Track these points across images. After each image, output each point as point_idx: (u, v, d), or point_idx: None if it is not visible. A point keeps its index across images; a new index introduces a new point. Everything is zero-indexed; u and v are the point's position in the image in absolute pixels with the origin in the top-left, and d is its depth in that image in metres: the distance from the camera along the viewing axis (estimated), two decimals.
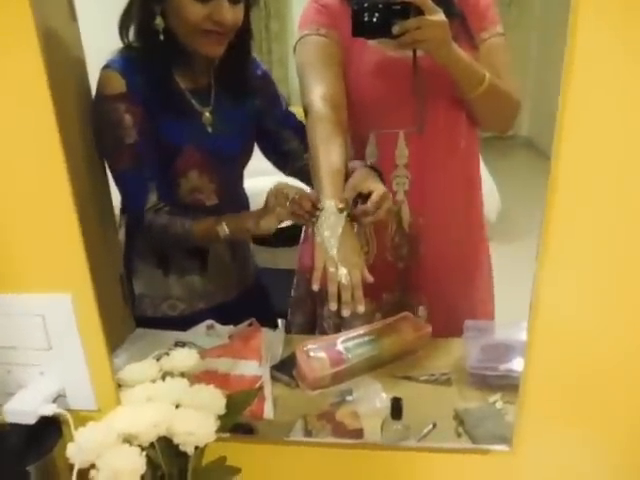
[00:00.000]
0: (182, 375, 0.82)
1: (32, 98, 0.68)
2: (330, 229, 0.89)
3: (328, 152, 0.96)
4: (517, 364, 0.93)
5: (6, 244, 0.74)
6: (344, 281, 0.85)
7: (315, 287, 0.87)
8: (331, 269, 0.86)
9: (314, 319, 1.25)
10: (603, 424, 0.77)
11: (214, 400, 0.76)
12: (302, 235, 1.29)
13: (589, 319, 0.72)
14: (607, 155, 0.64)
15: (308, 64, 1.06)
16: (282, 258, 1.83)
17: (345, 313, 0.85)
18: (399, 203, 1.12)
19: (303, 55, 1.07)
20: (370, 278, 0.88)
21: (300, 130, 1.11)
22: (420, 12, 0.89)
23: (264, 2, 3.49)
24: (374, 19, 0.92)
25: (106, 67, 1.00)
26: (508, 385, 0.91)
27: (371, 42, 1.04)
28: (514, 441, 0.78)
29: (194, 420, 0.71)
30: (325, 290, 1.20)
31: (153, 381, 0.79)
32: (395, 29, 0.90)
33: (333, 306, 0.85)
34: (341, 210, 0.89)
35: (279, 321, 1.35)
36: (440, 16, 0.91)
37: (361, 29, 0.94)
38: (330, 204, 0.90)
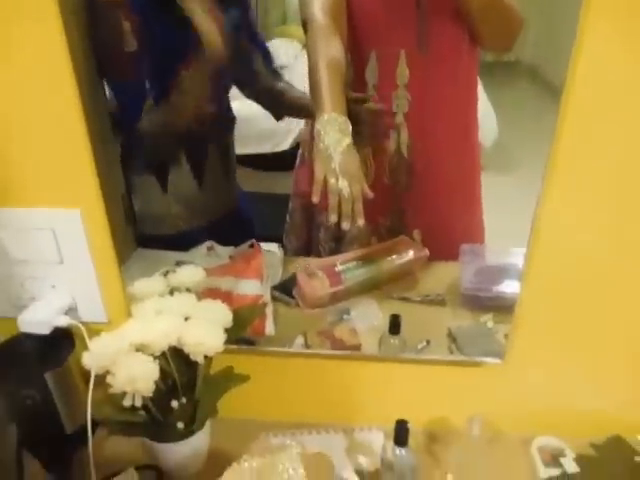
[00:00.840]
0: (188, 290, 0.85)
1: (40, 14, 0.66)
2: (333, 141, 0.89)
3: (330, 65, 0.96)
4: (509, 286, 0.96)
5: (17, 160, 0.74)
6: (345, 193, 0.86)
7: (315, 199, 0.87)
8: (332, 180, 0.87)
9: (310, 244, 1.27)
10: (591, 340, 0.82)
11: (221, 314, 0.79)
12: (297, 159, 1.29)
13: (586, 243, 0.75)
14: (619, 91, 0.64)
15: None
16: (276, 183, 1.83)
17: (345, 226, 0.86)
18: (398, 125, 1.12)
19: None
20: (370, 194, 0.89)
21: (267, 52, 1.13)
22: None
23: None
24: None
25: None
26: (499, 306, 0.95)
27: None
28: (506, 354, 0.83)
29: (203, 331, 0.74)
30: (321, 214, 1.22)
31: (161, 295, 0.82)
32: None
33: (333, 218, 0.86)
34: (344, 122, 0.89)
35: (276, 245, 1.37)
36: None
37: None
38: (333, 116, 0.90)
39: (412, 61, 1.06)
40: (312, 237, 1.26)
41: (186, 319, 0.77)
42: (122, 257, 1.08)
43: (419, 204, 1.18)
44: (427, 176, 1.16)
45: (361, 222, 0.87)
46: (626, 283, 0.77)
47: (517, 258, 0.85)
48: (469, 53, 1.10)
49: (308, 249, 1.27)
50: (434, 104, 1.11)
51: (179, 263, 1.15)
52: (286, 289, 1.08)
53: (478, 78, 1.24)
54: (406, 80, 1.08)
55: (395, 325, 0.86)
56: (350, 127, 0.90)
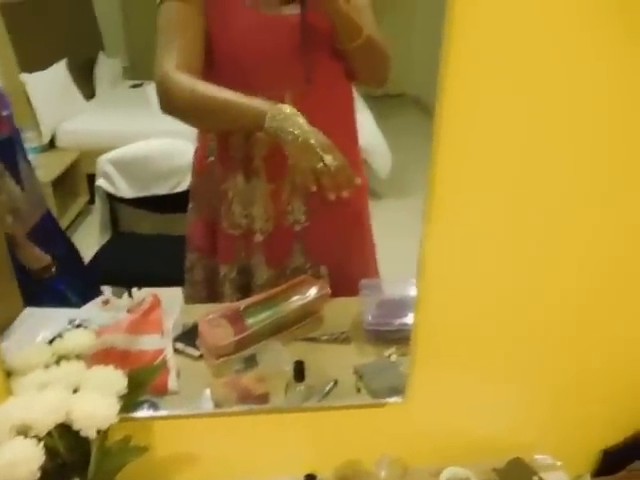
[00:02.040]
0: (78, 357, 0.80)
1: None
2: (297, 127, 0.93)
3: (218, 90, 0.98)
4: (410, 318, 0.99)
5: None
6: (332, 164, 0.90)
7: (314, 189, 0.95)
8: (319, 165, 0.91)
9: (213, 297, 1.25)
10: (489, 373, 0.85)
11: (114, 380, 0.74)
12: (189, 214, 1.27)
13: (473, 274, 0.78)
14: (489, 112, 0.69)
15: (164, 33, 1.02)
16: (175, 224, 1.79)
17: (345, 195, 0.92)
18: (292, 166, 1.13)
19: (160, 23, 1.02)
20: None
21: None
22: None
23: None
24: None
25: None
26: (402, 338, 0.97)
27: (245, 1, 1.02)
28: (406, 393, 0.84)
29: (93, 403, 0.70)
30: (224, 267, 1.20)
31: (47, 366, 0.76)
32: None
33: (332, 196, 0.93)
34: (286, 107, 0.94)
35: (178, 291, 1.34)
36: None
37: None
38: (276, 107, 0.94)
39: (298, 102, 1.08)
40: (216, 290, 1.23)
41: (75, 391, 0.72)
42: (9, 318, 1.01)
43: (318, 241, 1.20)
44: (322, 213, 1.17)
45: (358, 181, 0.94)
46: (514, 308, 0.81)
47: (414, 289, 0.87)
48: (347, 89, 1.15)
49: (213, 301, 1.24)
50: None
51: (72, 321, 1.09)
52: (189, 340, 1.05)
53: (365, 112, 1.28)
54: None
55: (299, 372, 0.86)
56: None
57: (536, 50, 0.65)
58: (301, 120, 0.94)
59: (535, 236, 0.77)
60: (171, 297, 1.27)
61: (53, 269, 1.17)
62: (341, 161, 0.91)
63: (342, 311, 1.13)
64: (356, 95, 1.23)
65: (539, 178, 0.73)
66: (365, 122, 2.17)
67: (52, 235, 1.46)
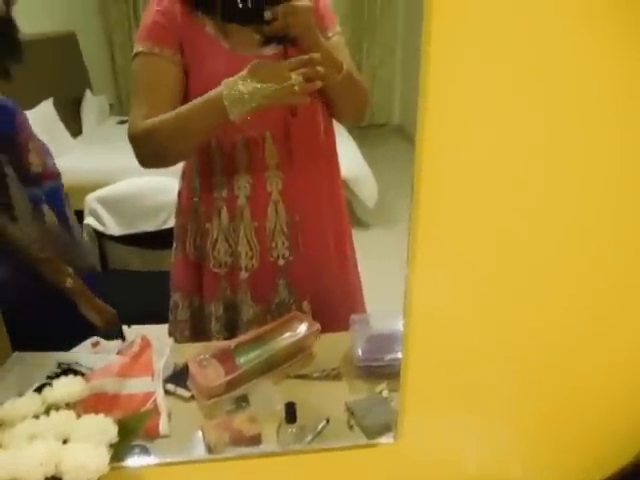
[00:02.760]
0: (68, 405, 0.80)
1: None
2: (247, 84, 0.93)
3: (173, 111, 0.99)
4: (399, 353, 0.99)
5: None
6: (299, 82, 0.92)
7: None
8: (286, 92, 0.92)
9: (200, 336, 1.25)
10: (479, 410, 0.86)
11: (105, 429, 0.74)
12: (173, 255, 1.27)
13: (460, 308, 0.79)
14: (470, 143, 0.70)
15: (137, 90, 1.06)
16: (164, 260, 1.79)
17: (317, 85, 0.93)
18: (275, 203, 1.15)
19: (135, 77, 1.07)
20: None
21: None
22: None
23: None
24: (248, 4, 0.94)
25: None
26: (392, 373, 0.97)
27: (222, 44, 1.05)
28: (397, 431, 0.84)
29: (84, 454, 0.69)
30: (209, 305, 1.20)
31: (36, 417, 0.76)
32: (267, 14, 0.93)
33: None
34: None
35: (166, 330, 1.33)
36: (305, 2, 0.96)
37: (234, 15, 0.96)
38: (230, 80, 0.94)
39: (278, 140, 1.11)
40: (202, 328, 1.23)
41: (65, 441, 0.72)
42: None
43: (302, 275, 1.21)
44: (306, 247, 1.19)
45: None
46: (502, 343, 0.82)
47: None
48: (327, 124, 1.17)
49: (200, 339, 1.24)
50: (304, 177, 1.16)
51: (61, 365, 1.08)
52: (180, 381, 1.05)
53: (349, 142, 1.30)
54: (276, 160, 1.12)
55: (291, 414, 0.86)
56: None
57: (517, 77, 0.66)
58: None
59: (522, 268, 0.78)
60: (162, 335, 1.27)
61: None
62: (297, 61, 0.93)
63: (332, 347, 1.13)
64: (340, 126, 1.25)
65: (525, 206, 0.74)
66: (350, 152, 2.20)
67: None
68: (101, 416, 0.76)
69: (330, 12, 1.12)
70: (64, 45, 2.95)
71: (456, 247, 0.75)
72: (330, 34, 1.10)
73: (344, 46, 1.12)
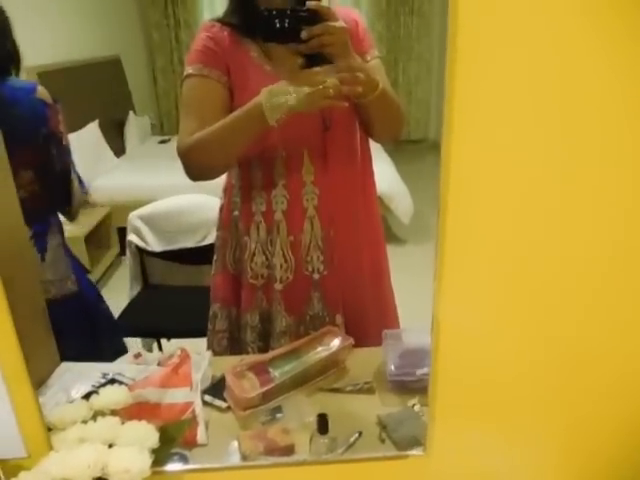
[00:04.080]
0: (113, 412, 0.84)
1: None
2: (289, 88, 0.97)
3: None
4: None
5: None
6: (332, 89, 0.96)
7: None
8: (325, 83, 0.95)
9: (235, 346, 1.29)
10: (508, 423, 0.86)
11: (147, 435, 0.78)
12: (213, 267, 1.32)
13: (488, 323, 0.80)
14: (498, 158, 0.71)
15: (187, 110, 1.12)
16: (204, 276, 1.84)
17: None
18: (311, 219, 1.18)
19: (184, 98, 1.13)
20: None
21: None
22: (324, 19, 0.98)
23: (172, 11, 3.47)
24: (285, 24, 0.98)
25: None
26: (424, 388, 0.98)
27: (266, 67, 1.11)
28: (427, 444, 0.86)
29: (128, 457, 0.73)
30: (245, 315, 1.25)
31: (84, 422, 0.80)
32: (304, 34, 0.97)
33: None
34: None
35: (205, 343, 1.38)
36: (341, 23, 0.99)
37: (272, 34, 1.00)
38: (267, 88, 0.99)
39: (315, 158, 1.15)
40: (238, 339, 1.27)
41: (110, 445, 0.76)
42: (45, 373, 1.06)
43: (336, 289, 1.24)
44: (340, 262, 1.22)
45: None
46: (533, 357, 0.83)
47: None
48: (362, 142, 1.20)
49: (236, 350, 1.28)
50: (339, 193, 1.19)
51: (105, 375, 1.13)
52: (217, 392, 1.08)
53: (385, 159, 1.33)
54: (312, 177, 1.16)
55: (323, 425, 0.88)
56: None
57: (546, 94, 0.68)
58: (292, 90, 0.97)
59: (550, 283, 0.78)
60: (200, 348, 1.31)
61: None
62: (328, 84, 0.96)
63: (365, 361, 1.15)
64: (376, 143, 1.28)
65: (554, 224, 0.75)
66: (386, 169, 2.23)
67: None
68: (144, 423, 0.80)
69: (369, 37, 1.17)
70: (109, 69, 3.09)
71: (484, 262, 0.77)
72: (369, 57, 1.14)
73: (382, 69, 1.17)
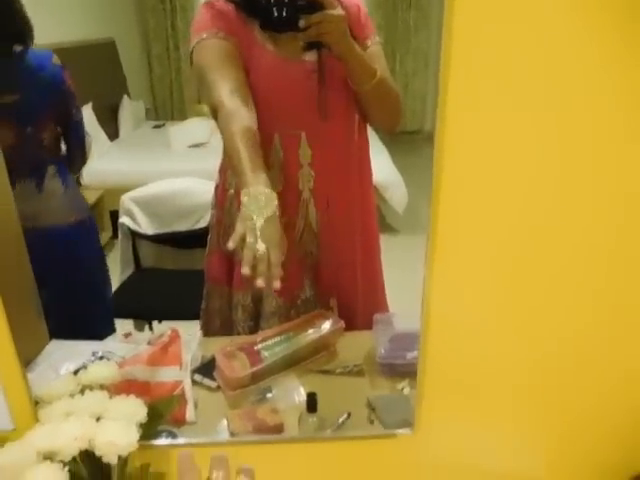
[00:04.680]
0: (101, 387, 0.84)
1: None
2: (257, 213, 0.91)
3: (248, 142, 1.00)
4: None
5: None
6: (260, 253, 0.87)
7: (230, 246, 0.88)
8: (250, 240, 0.87)
9: (228, 325, 1.28)
10: (494, 405, 0.87)
11: (135, 410, 0.78)
12: (207, 246, 1.32)
13: (477, 308, 0.80)
14: (491, 148, 0.71)
15: (210, 65, 1.07)
16: (196, 259, 1.84)
17: (259, 284, 0.85)
18: (306, 201, 1.18)
19: (203, 58, 1.08)
20: (279, 276, 0.88)
21: None
22: (322, 7, 0.97)
23: None
24: (283, 13, 0.98)
25: None
26: (414, 372, 0.99)
27: (268, 47, 1.09)
28: (415, 425, 0.86)
29: (115, 431, 0.73)
30: (237, 295, 1.24)
31: (72, 396, 0.80)
32: (301, 23, 0.97)
33: (246, 270, 0.85)
34: (269, 194, 0.92)
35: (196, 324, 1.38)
36: (340, 11, 0.99)
37: (270, 23, 1.00)
38: (257, 189, 0.92)
39: (312, 141, 1.14)
40: (230, 318, 1.27)
41: (98, 419, 0.76)
42: (35, 350, 1.05)
43: (329, 273, 1.23)
44: (334, 246, 1.22)
45: (277, 285, 0.86)
46: (521, 340, 0.83)
47: None
48: (360, 128, 1.20)
49: (227, 330, 1.28)
50: (336, 177, 1.19)
51: (95, 353, 1.13)
52: (207, 372, 1.08)
53: (381, 149, 1.32)
54: (309, 159, 1.15)
55: (312, 404, 0.88)
56: (275, 199, 0.93)
57: (541, 85, 0.68)
58: (266, 211, 0.92)
59: (539, 270, 0.79)
60: (190, 331, 1.31)
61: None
62: (273, 259, 0.87)
63: (356, 345, 1.15)
64: (373, 132, 1.28)
65: (545, 214, 0.75)
66: (381, 158, 2.22)
67: None
68: (132, 397, 0.80)
69: (370, 22, 1.16)
70: (103, 52, 3.06)
71: (475, 251, 0.77)
72: (369, 43, 1.13)
73: (382, 55, 1.15)
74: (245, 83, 1.07)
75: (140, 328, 1.57)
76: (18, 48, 1.46)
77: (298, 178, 1.16)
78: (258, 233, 0.89)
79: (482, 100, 0.69)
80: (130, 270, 1.94)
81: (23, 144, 1.52)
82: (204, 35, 1.07)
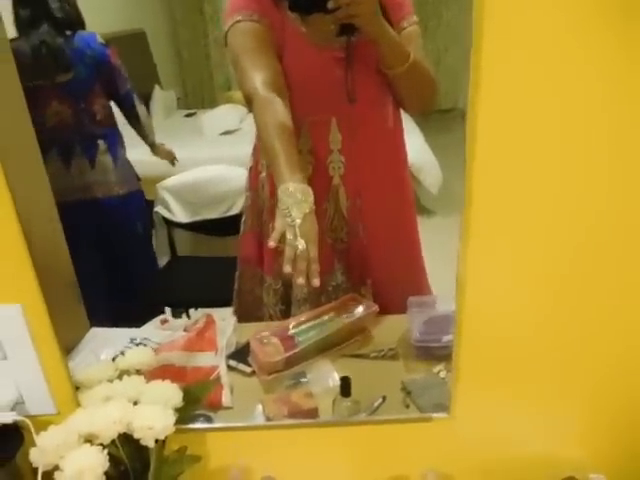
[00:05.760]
0: (138, 372, 0.86)
1: None
2: (295, 209, 0.92)
3: (281, 132, 0.99)
4: None
5: None
6: (300, 250, 0.88)
7: (271, 245, 0.90)
8: (290, 236, 0.89)
9: (259, 308, 1.29)
10: (529, 387, 0.85)
11: (171, 394, 0.79)
12: (241, 226, 1.32)
13: (512, 288, 0.78)
14: (524, 124, 0.69)
15: (245, 51, 1.07)
16: (229, 246, 1.85)
17: (300, 282, 0.88)
18: (336, 187, 1.17)
19: (237, 42, 1.08)
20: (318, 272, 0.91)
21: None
22: None
23: None
24: None
25: None
26: (450, 355, 0.98)
27: (301, 30, 1.07)
28: (451, 408, 0.85)
29: (152, 415, 0.74)
30: (268, 278, 1.24)
31: (110, 381, 0.82)
32: (330, 4, 0.95)
33: (287, 269, 0.87)
34: (305, 189, 0.93)
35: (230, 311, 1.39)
36: None
37: (298, 4, 0.98)
38: (294, 186, 0.93)
39: (343, 126, 1.12)
40: (261, 300, 1.27)
41: (135, 403, 0.77)
42: (76, 338, 1.08)
43: (364, 260, 1.22)
44: (366, 232, 1.20)
45: (316, 282, 0.89)
46: (558, 322, 0.81)
47: None
48: (394, 112, 1.18)
49: (257, 313, 1.28)
50: (367, 163, 1.17)
51: (133, 340, 1.15)
52: (242, 357, 1.09)
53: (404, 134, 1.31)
54: (339, 145, 1.14)
55: (345, 387, 0.88)
56: (311, 194, 0.94)
57: (572, 56, 0.66)
58: (304, 206, 0.92)
59: (579, 248, 0.76)
60: (225, 317, 1.32)
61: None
62: (312, 255, 0.89)
63: (390, 328, 1.14)
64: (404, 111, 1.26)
65: (582, 188, 0.72)
66: (414, 139, 2.18)
67: None
68: (167, 382, 0.81)
69: (408, 1, 1.11)
70: (134, 43, 3.09)
71: (510, 227, 0.75)
72: (406, 24, 1.10)
73: (418, 36, 1.11)
74: (279, 71, 1.06)
75: (177, 315, 1.60)
76: (68, 32, 1.67)
77: (328, 164, 1.15)
78: (297, 231, 0.90)
79: (515, 75, 0.66)
80: (166, 258, 1.98)
81: (77, 119, 1.70)
82: (238, 17, 1.06)
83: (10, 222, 0.74)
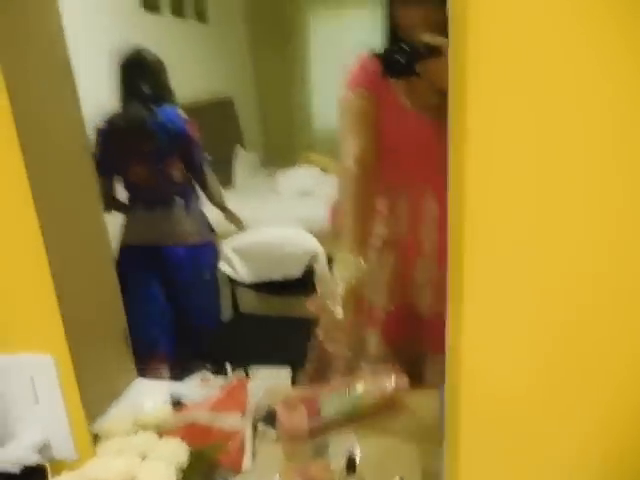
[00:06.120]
0: (158, 428, 0.89)
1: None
2: (342, 275, 0.99)
3: (357, 212, 1.08)
4: None
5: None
6: (337, 315, 0.97)
7: (309, 307, 1.01)
8: (328, 302, 0.97)
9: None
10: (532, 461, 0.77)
11: (176, 452, 0.81)
12: None
13: (506, 364, 0.73)
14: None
15: (348, 126, 1.17)
16: (290, 306, 1.87)
17: (330, 348, 1.00)
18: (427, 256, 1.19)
19: (344, 117, 1.19)
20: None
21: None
22: (440, 54, 0.98)
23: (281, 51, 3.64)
24: (401, 60, 1.03)
25: None
26: None
27: (404, 101, 1.15)
28: None
29: (155, 470, 0.77)
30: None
31: (127, 434, 0.86)
32: (418, 68, 1.01)
33: (321, 335, 0.99)
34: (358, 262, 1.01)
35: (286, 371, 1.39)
36: None
37: (391, 69, 1.05)
38: (349, 256, 1.01)
39: (439, 195, 1.14)
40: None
41: (144, 458, 0.80)
42: (120, 386, 1.14)
43: (432, 328, 1.20)
44: (437, 302, 1.18)
45: (347, 353, 0.92)
46: (564, 387, 0.73)
47: None
48: None
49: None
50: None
51: (172, 394, 1.19)
52: (272, 421, 1.09)
53: None
54: (435, 213, 1.15)
55: (350, 466, 0.86)
56: (362, 270, 0.99)
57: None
58: (351, 277, 0.99)
59: (571, 287, 0.67)
60: (267, 378, 1.34)
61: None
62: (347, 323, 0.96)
63: (423, 404, 1.10)
64: None
65: (577, 251, 0.66)
66: None
67: None
68: (176, 440, 0.84)
69: None
70: (222, 109, 3.33)
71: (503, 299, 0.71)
72: None
73: None
74: (372, 148, 1.14)
75: (218, 373, 1.64)
76: (153, 107, 1.92)
77: (421, 231, 1.17)
78: (339, 298, 0.93)
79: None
80: (229, 315, 2.04)
81: (156, 180, 1.93)
82: (351, 95, 1.17)
83: (43, 272, 0.81)
